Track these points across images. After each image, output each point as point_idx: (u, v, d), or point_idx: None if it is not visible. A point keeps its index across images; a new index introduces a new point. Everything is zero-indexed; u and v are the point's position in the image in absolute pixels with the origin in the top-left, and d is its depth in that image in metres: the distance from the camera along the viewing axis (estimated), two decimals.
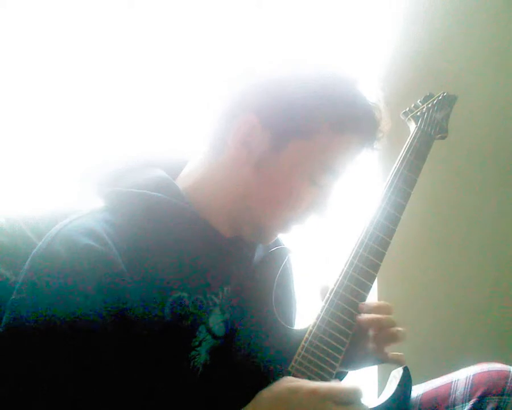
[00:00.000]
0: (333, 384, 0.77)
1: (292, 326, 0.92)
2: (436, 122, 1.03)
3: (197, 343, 0.82)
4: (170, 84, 1.37)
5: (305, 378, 0.82)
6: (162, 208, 0.84)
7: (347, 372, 1.00)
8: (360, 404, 0.75)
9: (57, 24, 1.31)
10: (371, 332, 0.90)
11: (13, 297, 0.75)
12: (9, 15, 1.28)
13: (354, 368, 0.95)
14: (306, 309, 1.01)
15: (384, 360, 0.92)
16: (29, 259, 0.78)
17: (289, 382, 0.77)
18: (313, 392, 0.74)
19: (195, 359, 0.82)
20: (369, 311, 0.89)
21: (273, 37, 1.21)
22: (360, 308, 0.89)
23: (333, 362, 0.85)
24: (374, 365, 0.97)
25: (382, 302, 0.93)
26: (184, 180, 0.90)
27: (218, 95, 0.90)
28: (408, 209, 0.96)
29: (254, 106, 0.85)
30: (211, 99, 0.91)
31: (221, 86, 0.90)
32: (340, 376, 0.98)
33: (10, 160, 1.27)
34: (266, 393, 0.76)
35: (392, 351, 0.92)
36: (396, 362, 0.93)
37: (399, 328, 0.90)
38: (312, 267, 1.43)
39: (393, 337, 0.90)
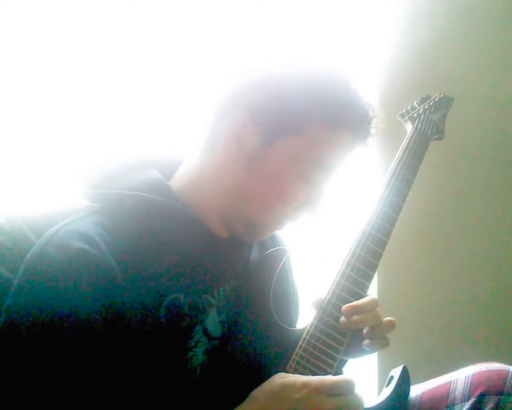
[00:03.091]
0: (325, 377, 0.78)
1: (291, 326, 0.93)
2: (433, 123, 1.03)
3: (193, 344, 0.82)
4: (168, 84, 1.37)
5: None
6: (155, 210, 0.84)
7: (347, 360, 0.99)
8: (353, 395, 0.76)
9: (57, 24, 1.32)
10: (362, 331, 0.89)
11: (8, 302, 0.76)
12: (9, 15, 1.29)
13: (355, 357, 0.95)
14: (304, 308, 1.01)
15: (380, 349, 0.91)
16: (23, 263, 0.78)
17: (281, 378, 0.77)
18: (306, 385, 0.74)
19: (193, 360, 0.82)
20: (353, 313, 0.87)
21: (272, 36, 1.21)
22: (344, 311, 0.87)
23: (331, 361, 0.86)
24: (371, 354, 0.96)
25: (366, 299, 0.89)
26: (179, 180, 0.90)
27: (213, 94, 0.90)
28: (405, 209, 0.96)
29: (246, 103, 0.85)
30: (208, 98, 0.91)
31: (217, 85, 0.91)
32: (341, 364, 0.97)
33: (10, 160, 1.28)
34: (259, 391, 0.77)
35: (389, 350, 0.92)
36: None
37: (386, 320, 0.89)
38: (309, 266, 1.43)
39: (380, 334, 0.89)
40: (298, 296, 1.04)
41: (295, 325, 0.98)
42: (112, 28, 1.34)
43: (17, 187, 1.26)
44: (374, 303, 0.88)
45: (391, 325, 0.89)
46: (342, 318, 0.87)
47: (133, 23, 1.37)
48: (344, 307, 0.87)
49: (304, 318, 0.92)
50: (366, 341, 0.89)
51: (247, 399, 0.77)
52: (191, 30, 1.40)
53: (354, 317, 0.87)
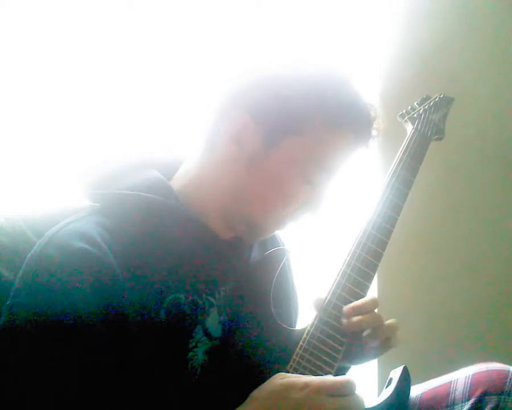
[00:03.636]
0: (326, 377, 0.78)
1: (291, 327, 0.92)
2: (433, 123, 1.03)
3: (193, 344, 0.82)
4: (168, 84, 1.37)
5: None
6: (156, 210, 0.84)
7: (350, 367, 0.99)
8: (354, 395, 0.75)
9: (57, 24, 1.32)
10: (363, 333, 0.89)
11: (8, 301, 0.76)
12: (9, 15, 1.29)
13: (357, 362, 0.94)
14: (303, 309, 1.01)
15: (383, 351, 0.91)
16: (24, 263, 0.78)
17: (281, 378, 0.77)
18: (306, 386, 0.74)
19: (193, 360, 0.82)
20: (354, 313, 0.87)
21: (272, 36, 1.21)
22: (345, 313, 0.87)
23: (331, 362, 0.85)
24: (375, 358, 0.96)
25: (366, 299, 0.89)
26: (179, 180, 0.90)
27: (213, 94, 0.90)
28: (406, 209, 0.96)
29: (247, 103, 0.85)
30: (208, 98, 0.91)
31: (217, 85, 0.91)
32: (343, 371, 0.97)
33: (10, 160, 1.28)
34: (260, 391, 0.77)
35: (389, 350, 0.92)
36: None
37: (387, 323, 0.89)
38: (309, 266, 1.43)
39: (382, 334, 0.88)
40: (297, 297, 1.04)
41: (295, 325, 0.98)
42: (112, 28, 1.34)
43: (17, 187, 1.26)
44: (374, 303, 0.88)
45: (393, 327, 0.89)
46: (344, 321, 0.87)
47: (133, 23, 1.37)
48: (345, 308, 0.87)
49: (304, 318, 0.92)
50: (367, 346, 0.89)
51: (248, 399, 0.77)
52: (191, 30, 1.40)
53: (355, 318, 0.86)
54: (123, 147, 1.03)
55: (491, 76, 1.63)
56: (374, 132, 0.90)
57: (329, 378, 0.77)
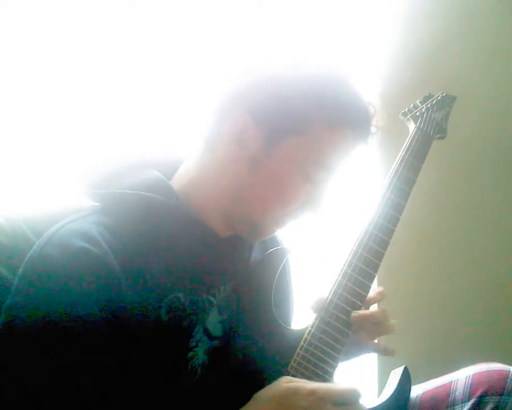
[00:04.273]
0: (332, 385, 0.78)
1: (290, 326, 0.92)
2: (435, 122, 1.03)
3: (194, 344, 0.82)
4: (169, 84, 1.37)
5: (304, 378, 0.82)
6: (156, 209, 0.84)
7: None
8: (358, 405, 0.76)
9: (57, 24, 1.32)
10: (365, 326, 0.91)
11: (8, 301, 0.75)
12: (9, 15, 1.29)
13: (345, 359, 0.95)
14: (303, 309, 1.01)
15: (375, 350, 0.94)
16: (23, 263, 0.78)
17: (288, 382, 0.77)
18: (312, 393, 0.74)
19: (193, 360, 0.82)
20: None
21: (272, 36, 1.21)
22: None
23: (332, 362, 0.86)
24: (362, 355, 0.97)
25: (372, 294, 0.92)
26: (179, 180, 0.91)
27: (213, 94, 0.90)
28: (407, 209, 0.96)
29: (247, 103, 0.86)
30: (208, 98, 0.91)
31: (217, 85, 0.91)
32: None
33: (10, 160, 1.28)
34: (265, 393, 0.76)
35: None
36: (386, 353, 0.94)
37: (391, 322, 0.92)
38: (309, 266, 1.43)
39: (386, 330, 0.92)
40: (293, 298, 1.04)
41: (290, 326, 0.98)
42: (112, 28, 1.34)
43: (17, 187, 1.26)
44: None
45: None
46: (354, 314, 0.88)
47: (133, 23, 1.36)
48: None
49: (305, 317, 0.92)
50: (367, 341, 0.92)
51: (251, 401, 0.77)
52: (191, 30, 1.40)
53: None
54: (123, 147, 1.03)
55: (492, 76, 1.62)
56: (372, 129, 0.91)
57: (336, 386, 0.78)
